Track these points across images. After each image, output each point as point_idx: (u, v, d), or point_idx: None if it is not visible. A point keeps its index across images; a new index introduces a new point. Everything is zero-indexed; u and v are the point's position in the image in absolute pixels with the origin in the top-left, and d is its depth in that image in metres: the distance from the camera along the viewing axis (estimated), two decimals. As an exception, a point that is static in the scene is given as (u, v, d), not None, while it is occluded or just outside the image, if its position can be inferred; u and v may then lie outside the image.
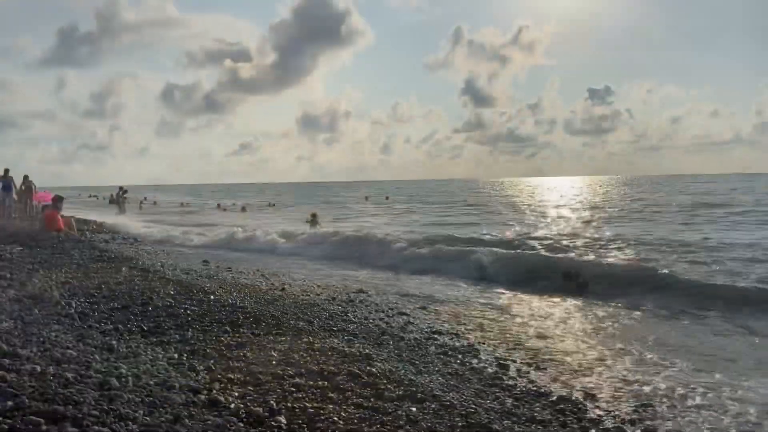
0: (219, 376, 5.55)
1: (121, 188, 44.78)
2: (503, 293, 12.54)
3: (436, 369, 6.59)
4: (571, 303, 11.39)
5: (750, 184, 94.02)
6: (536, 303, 11.43)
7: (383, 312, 9.58)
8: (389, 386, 5.66)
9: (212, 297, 9.60)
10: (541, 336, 8.62)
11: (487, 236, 23.12)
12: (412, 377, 6.11)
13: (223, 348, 6.60)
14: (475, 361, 7.03)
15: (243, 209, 51.15)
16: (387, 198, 59.73)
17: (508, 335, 8.57)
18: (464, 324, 9.14)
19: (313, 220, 28.52)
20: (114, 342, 6.40)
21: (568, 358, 7.36)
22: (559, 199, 60.28)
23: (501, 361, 7.04)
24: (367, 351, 6.92)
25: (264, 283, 11.83)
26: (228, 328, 7.53)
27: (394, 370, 6.27)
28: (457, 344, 7.75)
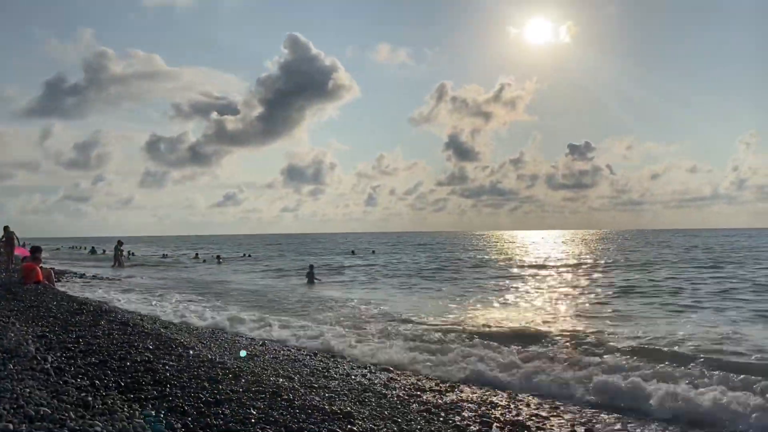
0: (197, 436, 5.43)
1: (119, 242, 44.45)
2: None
3: (419, 427, 6.52)
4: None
5: (735, 238, 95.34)
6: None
7: (366, 368, 9.49)
8: (370, 446, 5.57)
9: (191, 352, 9.46)
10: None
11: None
12: (395, 436, 6.03)
13: (201, 405, 6.48)
14: (458, 418, 6.97)
15: (218, 260, 50.93)
16: (373, 252, 59.04)
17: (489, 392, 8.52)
18: (447, 381, 9.08)
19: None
20: (90, 398, 6.26)
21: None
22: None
23: (484, 419, 6.98)
24: (348, 409, 6.83)
25: (244, 338, 11.71)
26: (207, 385, 7.40)
27: (375, 428, 6.18)
28: (440, 401, 7.69)
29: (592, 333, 12.87)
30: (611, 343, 11.60)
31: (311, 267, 30.35)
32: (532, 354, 10.85)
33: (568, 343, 11.90)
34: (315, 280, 28.32)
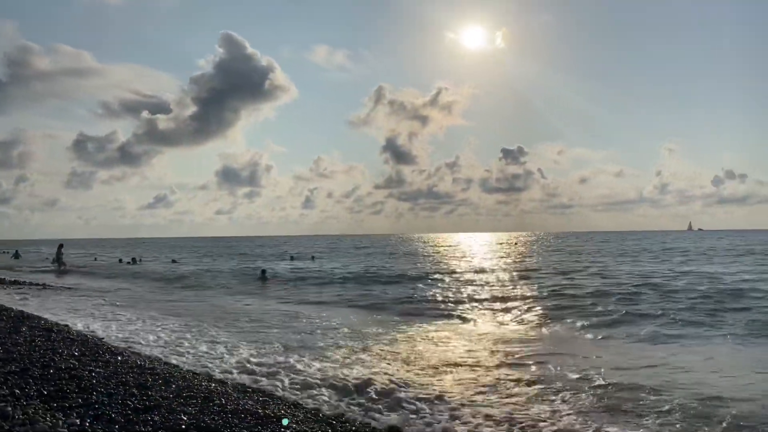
0: (124, 443, 5.30)
1: (60, 245, 42.68)
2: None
3: (353, 428, 6.56)
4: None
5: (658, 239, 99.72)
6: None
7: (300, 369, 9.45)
8: (303, 448, 5.58)
9: (119, 358, 9.19)
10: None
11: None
12: (328, 438, 6.05)
13: (129, 412, 6.31)
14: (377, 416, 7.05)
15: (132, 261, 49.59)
16: (312, 258, 57.73)
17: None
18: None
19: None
20: (9, 408, 6.00)
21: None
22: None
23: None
24: (281, 412, 6.80)
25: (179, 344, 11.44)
26: (135, 391, 7.21)
27: (308, 430, 6.19)
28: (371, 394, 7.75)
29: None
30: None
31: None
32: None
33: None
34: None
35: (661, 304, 17.94)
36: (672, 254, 49.80)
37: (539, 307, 18.08)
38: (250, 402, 7.23)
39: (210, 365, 9.77)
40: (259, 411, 6.74)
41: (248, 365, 9.83)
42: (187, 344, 11.76)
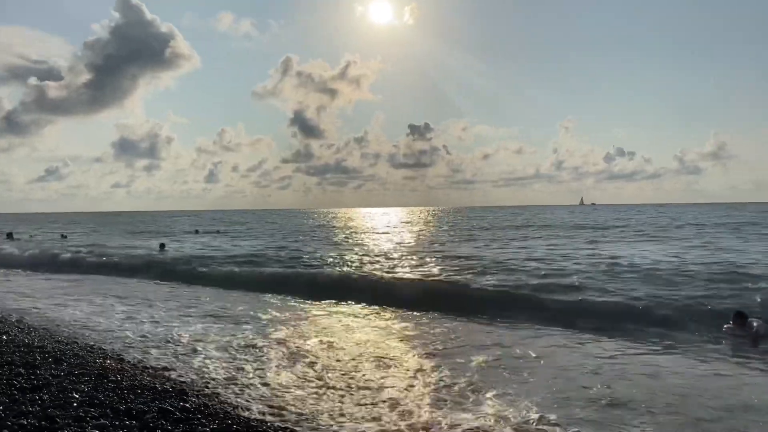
0: (9, 423, 5.03)
1: None
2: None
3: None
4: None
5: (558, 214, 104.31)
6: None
7: (206, 342, 9.29)
8: (204, 421, 5.51)
9: (4, 337, 8.67)
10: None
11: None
12: (230, 410, 6.00)
13: (15, 392, 5.99)
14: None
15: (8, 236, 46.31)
16: (219, 232, 56.07)
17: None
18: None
19: None
20: None
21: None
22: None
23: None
24: (182, 387, 6.67)
25: (69, 318, 10.92)
26: (22, 371, 6.85)
27: (209, 404, 6.10)
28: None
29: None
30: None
31: None
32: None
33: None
34: None
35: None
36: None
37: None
38: (147, 378, 7.04)
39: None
40: (157, 386, 6.58)
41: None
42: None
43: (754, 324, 10.38)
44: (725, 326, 10.53)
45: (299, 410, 6.27)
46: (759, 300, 12.10)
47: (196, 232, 55.57)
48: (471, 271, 18.12)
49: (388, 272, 18.57)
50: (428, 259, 22.42)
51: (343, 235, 45.30)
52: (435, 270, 18.87)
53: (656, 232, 39.22)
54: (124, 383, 6.59)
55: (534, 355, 8.91)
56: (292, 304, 14.41)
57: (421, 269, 19.33)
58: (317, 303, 14.46)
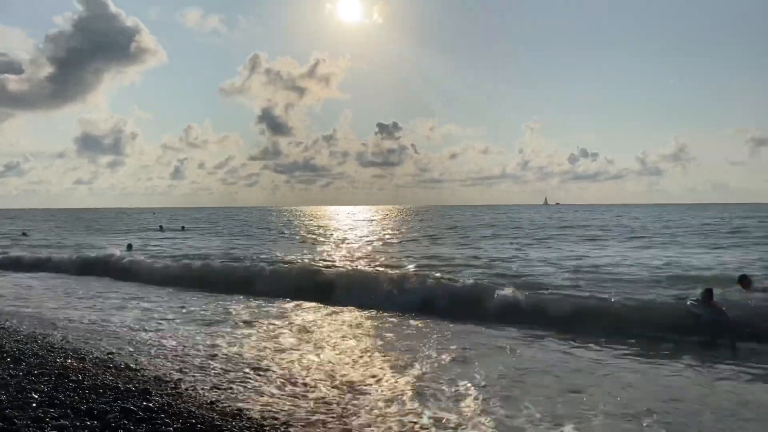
0: (-35, 425, 4.92)
1: None
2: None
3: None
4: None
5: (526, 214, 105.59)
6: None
7: (173, 339, 9.20)
8: (167, 420, 5.46)
9: (-39, 337, 8.44)
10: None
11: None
12: (193, 409, 5.96)
13: (-29, 393, 5.85)
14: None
15: None
16: (183, 228, 55.21)
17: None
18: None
19: None
20: None
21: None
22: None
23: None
24: (145, 386, 6.60)
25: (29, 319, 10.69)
26: (-21, 371, 6.69)
27: (172, 404, 6.05)
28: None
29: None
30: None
31: None
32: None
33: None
34: None
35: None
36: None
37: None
38: (110, 377, 6.94)
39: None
40: (120, 386, 6.50)
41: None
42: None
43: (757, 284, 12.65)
44: (688, 302, 11.32)
45: (265, 411, 6.27)
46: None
47: (161, 228, 54.80)
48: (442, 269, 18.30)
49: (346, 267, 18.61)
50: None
51: (307, 233, 45.17)
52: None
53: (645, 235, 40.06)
54: (86, 383, 6.50)
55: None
56: (255, 304, 14.34)
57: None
58: (274, 301, 14.42)
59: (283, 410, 6.28)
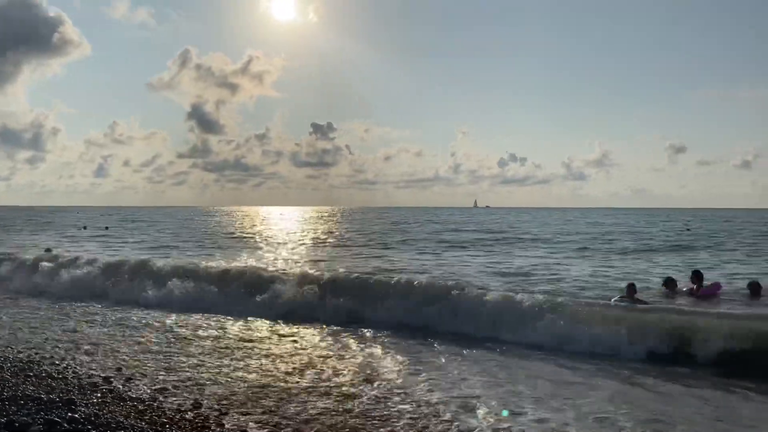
0: None
1: None
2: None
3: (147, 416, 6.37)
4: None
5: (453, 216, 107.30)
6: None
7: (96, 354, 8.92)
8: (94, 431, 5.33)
9: None
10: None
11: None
12: (122, 419, 5.83)
13: None
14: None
15: None
16: (106, 228, 52.95)
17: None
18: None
19: None
20: None
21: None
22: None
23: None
24: (70, 397, 6.38)
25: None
26: None
27: (99, 414, 5.90)
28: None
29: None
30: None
31: None
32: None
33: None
34: None
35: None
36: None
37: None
38: (31, 387, 6.68)
39: None
40: (43, 396, 6.27)
41: (29, 348, 9.01)
42: None
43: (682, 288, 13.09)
44: (612, 300, 11.91)
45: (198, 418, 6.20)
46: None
47: (84, 228, 52.62)
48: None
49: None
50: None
51: (235, 234, 44.44)
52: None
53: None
54: (5, 394, 6.24)
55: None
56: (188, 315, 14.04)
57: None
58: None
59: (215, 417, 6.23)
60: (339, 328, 11.50)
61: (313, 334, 11.00)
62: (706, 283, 13.07)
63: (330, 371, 8.26)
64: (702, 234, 45.63)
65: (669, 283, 13.45)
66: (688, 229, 56.64)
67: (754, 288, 12.91)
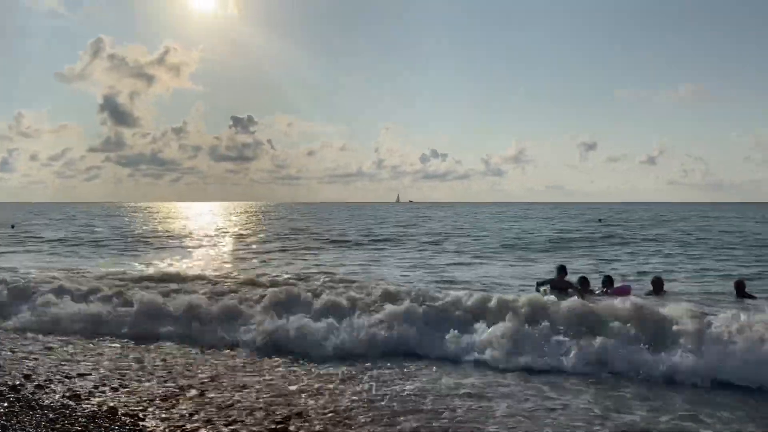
0: None
1: None
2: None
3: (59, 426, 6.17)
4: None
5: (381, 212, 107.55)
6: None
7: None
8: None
9: None
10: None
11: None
12: (31, 430, 5.64)
13: None
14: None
15: None
16: (13, 227, 49.58)
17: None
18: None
19: None
20: None
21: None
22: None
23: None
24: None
25: None
26: None
27: (7, 425, 5.68)
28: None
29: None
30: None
31: None
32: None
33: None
34: None
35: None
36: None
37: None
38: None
39: None
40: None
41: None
42: None
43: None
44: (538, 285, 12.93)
45: None
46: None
47: (12, 227, 49.33)
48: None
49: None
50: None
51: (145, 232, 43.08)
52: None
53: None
54: None
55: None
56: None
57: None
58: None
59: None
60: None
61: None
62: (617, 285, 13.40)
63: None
64: (614, 226, 48.37)
65: (583, 282, 13.37)
66: (599, 220, 60.36)
67: (657, 284, 13.41)
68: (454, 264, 21.36)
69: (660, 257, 23.39)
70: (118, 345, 10.05)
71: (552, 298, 10.55)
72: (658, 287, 13.24)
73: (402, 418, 6.42)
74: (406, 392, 7.33)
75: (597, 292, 13.02)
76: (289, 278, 14.79)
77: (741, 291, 12.80)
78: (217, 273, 16.14)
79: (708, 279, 16.71)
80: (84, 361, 8.89)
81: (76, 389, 7.29)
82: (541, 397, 7.18)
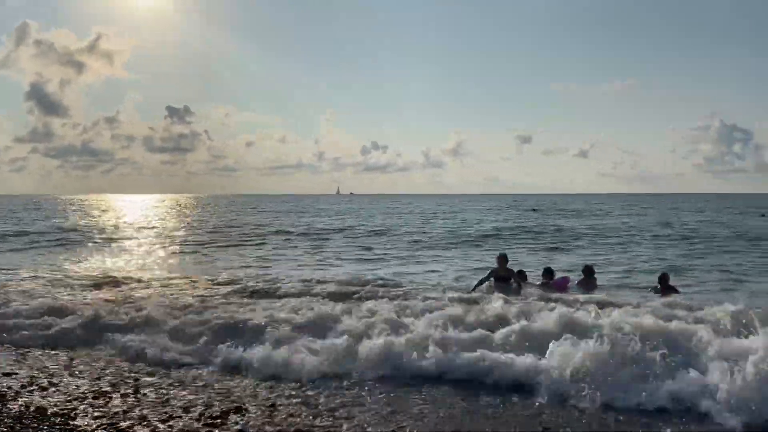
0: None
1: None
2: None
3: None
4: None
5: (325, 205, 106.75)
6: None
7: None
8: None
9: None
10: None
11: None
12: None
13: None
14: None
15: None
16: None
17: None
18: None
19: None
20: None
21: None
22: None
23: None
24: None
25: None
26: None
27: None
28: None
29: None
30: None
31: None
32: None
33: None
34: None
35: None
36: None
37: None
38: None
39: None
40: None
41: None
42: None
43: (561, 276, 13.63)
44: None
45: None
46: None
47: None
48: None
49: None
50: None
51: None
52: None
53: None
54: None
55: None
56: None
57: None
58: None
59: None
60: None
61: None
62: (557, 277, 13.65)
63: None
64: (549, 216, 49.92)
65: (520, 274, 13.42)
66: (534, 210, 62.81)
67: (587, 272, 13.73)
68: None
69: (593, 249, 24.30)
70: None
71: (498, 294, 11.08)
72: (664, 283, 12.40)
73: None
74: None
75: (537, 283, 13.29)
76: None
77: (665, 284, 12.29)
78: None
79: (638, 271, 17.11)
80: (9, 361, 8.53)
81: (2, 390, 7.00)
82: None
